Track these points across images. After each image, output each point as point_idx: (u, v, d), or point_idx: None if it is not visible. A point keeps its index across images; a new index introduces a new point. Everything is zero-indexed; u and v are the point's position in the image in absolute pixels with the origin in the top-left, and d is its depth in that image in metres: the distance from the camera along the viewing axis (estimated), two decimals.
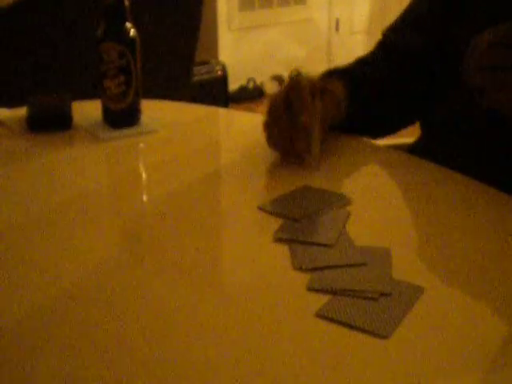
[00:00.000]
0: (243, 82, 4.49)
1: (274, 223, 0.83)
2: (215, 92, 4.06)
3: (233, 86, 4.38)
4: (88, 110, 1.22)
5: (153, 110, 1.22)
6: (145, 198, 0.98)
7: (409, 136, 1.28)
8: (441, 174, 0.99)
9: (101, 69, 1.13)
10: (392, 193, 1.00)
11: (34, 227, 0.85)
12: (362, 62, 1.18)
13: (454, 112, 1.09)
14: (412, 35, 1.15)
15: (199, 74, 3.90)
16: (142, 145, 1.14)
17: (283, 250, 0.77)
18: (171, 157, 1.08)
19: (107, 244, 0.83)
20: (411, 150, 1.16)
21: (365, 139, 1.13)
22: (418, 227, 0.87)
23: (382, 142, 1.25)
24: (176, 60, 2.89)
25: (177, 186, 0.97)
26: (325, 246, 0.77)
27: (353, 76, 1.13)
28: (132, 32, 1.12)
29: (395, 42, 1.17)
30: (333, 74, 1.14)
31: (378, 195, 0.95)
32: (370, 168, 1.08)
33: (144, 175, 1.07)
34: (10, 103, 1.28)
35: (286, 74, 4.71)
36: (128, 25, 1.11)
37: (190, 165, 1.05)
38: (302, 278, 0.71)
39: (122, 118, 1.15)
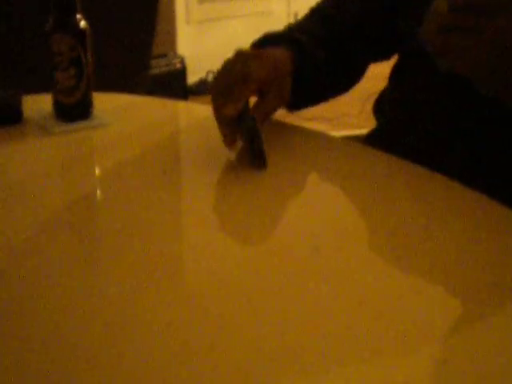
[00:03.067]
0: (202, 74, 4.47)
1: (238, 221, 0.82)
2: (174, 85, 4.04)
3: (192, 78, 4.36)
4: (39, 104, 1.20)
5: (106, 103, 1.21)
6: (97, 193, 0.97)
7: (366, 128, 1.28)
8: (389, 164, 0.99)
9: (51, 61, 1.11)
10: (340, 184, 1.00)
11: None
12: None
13: (412, 87, 1.09)
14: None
15: (157, 66, 3.88)
16: (94, 138, 1.12)
17: (247, 249, 0.76)
18: (124, 150, 1.06)
19: (56, 241, 0.81)
20: (367, 140, 1.16)
21: (319, 131, 1.13)
22: (368, 219, 0.87)
23: (337, 133, 1.26)
24: (133, 52, 2.86)
25: (130, 181, 0.96)
26: None
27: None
28: (82, 24, 1.10)
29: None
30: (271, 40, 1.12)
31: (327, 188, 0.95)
32: (322, 160, 1.08)
33: (96, 169, 1.05)
34: None
35: None
36: (78, 16, 1.09)
37: (142, 159, 1.03)
38: (262, 272, 0.70)
39: (74, 111, 1.13)
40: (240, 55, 1.00)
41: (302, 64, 1.08)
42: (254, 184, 0.96)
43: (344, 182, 0.97)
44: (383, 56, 1.22)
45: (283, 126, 1.13)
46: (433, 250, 0.77)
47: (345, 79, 1.20)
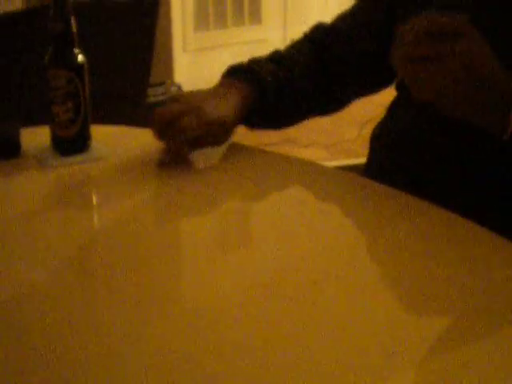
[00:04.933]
0: None
1: (234, 253, 0.82)
2: None
3: None
4: (37, 137, 1.20)
5: (104, 136, 1.21)
6: (94, 226, 0.97)
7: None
8: (385, 195, 0.99)
9: (49, 95, 1.11)
10: (339, 217, 1.00)
11: None
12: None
13: (405, 123, 1.10)
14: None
15: (155, 95, 3.89)
16: (91, 172, 1.12)
17: (244, 281, 0.76)
18: (121, 184, 1.07)
19: (54, 274, 0.81)
20: (365, 170, 1.17)
21: (313, 163, 1.14)
22: (365, 250, 0.88)
23: (336, 163, 1.26)
24: (130, 82, 2.88)
25: (127, 214, 0.96)
26: None
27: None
28: (80, 58, 1.10)
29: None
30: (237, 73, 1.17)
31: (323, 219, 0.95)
32: (317, 192, 1.08)
33: (93, 203, 1.05)
34: None
35: None
36: (76, 50, 1.10)
37: (140, 192, 1.04)
38: (261, 305, 0.70)
39: (71, 144, 1.14)
40: (182, 104, 1.09)
41: (261, 94, 1.13)
42: (251, 215, 0.96)
43: (341, 214, 0.98)
44: (371, 89, 1.24)
45: (276, 157, 1.14)
46: (430, 280, 0.77)
47: (325, 107, 1.23)
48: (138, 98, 3.02)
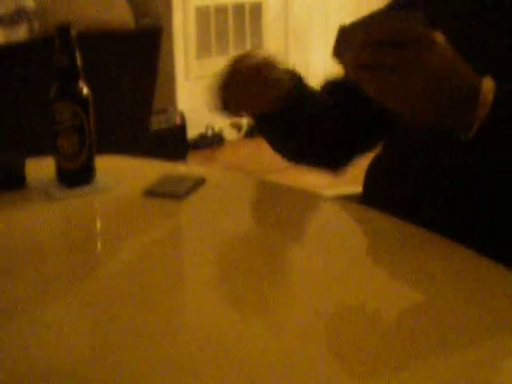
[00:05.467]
0: (202, 129, 4.51)
1: (235, 285, 0.82)
2: (175, 140, 4.07)
3: (192, 133, 4.40)
4: (42, 168, 1.21)
5: (108, 166, 1.22)
6: (100, 259, 0.97)
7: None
8: (384, 224, 1.00)
9: (54, 128, 1.13)
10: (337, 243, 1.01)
11: None
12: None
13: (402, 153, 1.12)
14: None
15: (158, 122, 3.92)
16: (96, 204, 1.13)
17: (245, 312, 0.77)
18: (125, 216, 1.07)
19: (59, 304, 0.81)
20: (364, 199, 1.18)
21: (313, 192, 1.14)
22: (365, 280, 0.88)
23: (338, 191, 1.27)
24: (134, 110, 2.90)
25: (132, 247, 0.97)
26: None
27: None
28: (85, 91, 1.12)
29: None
30: None
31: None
32: (318, 222, 1.09)
33: (98, 236, 1.06)
34: None
35: (243, 121, 4.74)
36: (81, 84, 1.12)
37: (143, 223, 1.04)
38: (262, 336, 0.71)
39: (76, 176, 1.15)
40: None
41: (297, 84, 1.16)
42: (252, 249, 0.97)
43: (340, 244, 0.98)
44: (371, 143, 1.24)
45: (276, 187, 1.15)
46: (429, 308, 0.77)
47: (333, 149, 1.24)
48: (141, 125, 3.04)
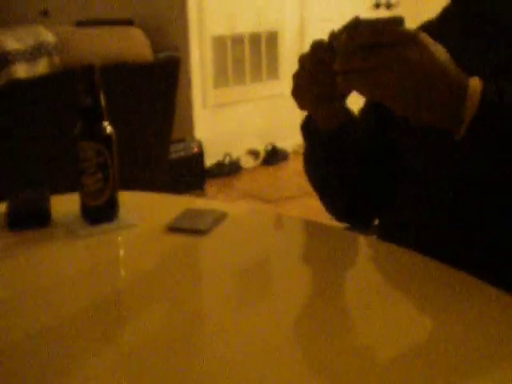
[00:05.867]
0: (220, 157, 4.55)
1: (239, 322, 0.83)
2: (192, 168, 4.11)
3: (210, 161, 4.43)
4: (67, 205, 1.23)
5: (131, 203, 1.24)
6: (123, 297, 0.99)
7: None
8: (391, 254, 1.01)
9: (78, 166, 1.15)
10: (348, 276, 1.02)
11: (15, 327, 0.85)
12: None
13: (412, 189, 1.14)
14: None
15: (176, 151, 3.96)
16: (120, 241, 1.15)
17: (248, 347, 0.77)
18: (149, 252, 1.09)
19: (82, 341, 0.82)
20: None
21: (321, 224, 1.16)
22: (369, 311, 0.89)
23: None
24: (153, 141, 2.94)
25: (156, 284, 0.98)
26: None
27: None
28: (109, 130, 1.14)
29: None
30: None
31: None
32: (325, 254, 1.10)
33: (122, 273, 1.07)
34: None
35: (260, 148, 4.78)
36: (104, 123, 1.14)
37: (168, 261, 1.06)
38: (266, 371, 0.72)
39: (100, 213, 1.17)
40: None
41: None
42: (273, 284, 0.98)
43: (345, 273, 0.99)
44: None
45: (295, 221, 1.16)
46: (433, 340, 0.78)
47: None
48: (160, 154, 3.07)
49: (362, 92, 0.90)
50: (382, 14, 4.98)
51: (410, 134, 1.12)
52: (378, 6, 5.31)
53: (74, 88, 1.27)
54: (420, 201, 1.11)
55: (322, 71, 0.99)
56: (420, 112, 0.90)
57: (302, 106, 1.07)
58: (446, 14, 1.18)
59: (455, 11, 1.15)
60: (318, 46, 0.99)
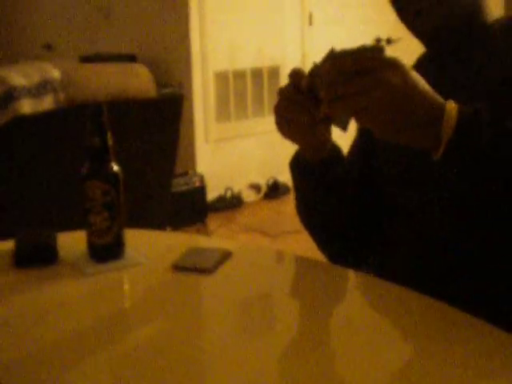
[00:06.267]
0: (221, 191, 4.56)
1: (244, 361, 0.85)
2: (194, 202, 4.13)
3: (211, 195, 4.45)
4: (73, 243, 1.25)
5: (137, 241, 1.25)
6: (128, 333, 0.99)
7: None
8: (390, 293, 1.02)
9: (85, 205, 1.16)
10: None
11: (19, 365, 0.86)
12: None
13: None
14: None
15: (178, 185, 3.98)
16: (126, 279, 1.16)
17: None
18: (155, 291, 1.10)
19: (88, 379, 0.83)
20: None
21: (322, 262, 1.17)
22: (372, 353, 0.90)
23: None
24: (156, 175, 2.96)
25: (163, 324, 0.99)
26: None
27: None
28: (116, 170, 1.16)
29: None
30: None
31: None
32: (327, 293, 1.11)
33: (128, 312, 1.08)
34: None
35: (262, 182, 4.80)
36: (112, 163, 1.16)
37: (173, 299, 1.07)
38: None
39: (107, 251, 1.18)
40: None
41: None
42: (279, 325, 0.99)
43: (343, 311, 1.01)
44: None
45: (298, 261, 1.18)
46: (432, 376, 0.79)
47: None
48: (163, 188, 3.09)
49: (345, 115, 0.96)
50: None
51: (393, 163, 1.16)
52: (378, 41, 5.37)
53: (80, 125, 1.29)
54: (412, 236, 1.13)
55: (304, 98, 1.02)
56: (399, 133, 0.94)
57: (287, 136, 1.09)
58: (422, 60, 1.23)
59: (431, 55, 1.20)
60: (296, 74, 1.03)
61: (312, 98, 0.99)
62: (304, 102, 1.01)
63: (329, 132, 1.11)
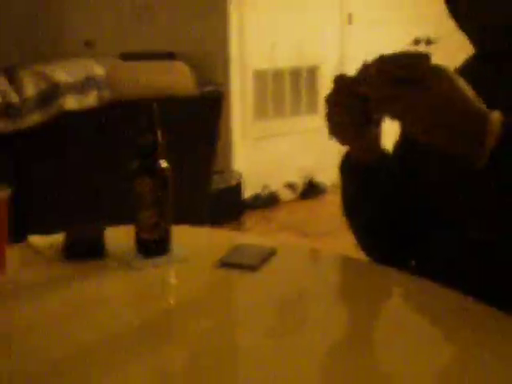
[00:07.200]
0: (258, 189, 4.58)
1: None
2: (231, 200, 4.15)
3: (248, 193, 4.46)
4: (121, 237, 1.27)
5: (183, 237, 1.27)
6: (172, 326, 1.01)
7: None
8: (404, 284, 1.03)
9: (134, 201, 1.19)
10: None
11: (67, 360, 0.88)
12: None
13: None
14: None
15: (215, 183, 4.00)
16: (172, 274, 1.19)
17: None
18: (201, 287, 1.12)
19: (132, 375, 0.85)
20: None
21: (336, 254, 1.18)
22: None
23: None
24: (196, 173, 2.98)
25: (210, 320, 1.01)
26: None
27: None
28: (165, 167, 1.18)
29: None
30: None
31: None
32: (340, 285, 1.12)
33: (174, 306, 1.10)
34: (44, 229, 1.34)
35: (298, 181, 4.81)
36: (161, 161, 1.18)
37: (220, 295, 1.09)
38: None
39: (154, 247, 1.20)
40: None
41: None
42: (301, 327, 1.01)
43: (362, 303, 1.02)
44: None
45: (338, 259, 1.19)
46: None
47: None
48: (203, 185, 3.11)
49: (388, 116, 0.98)
50: (422, 50, 5.01)
51: (433, 168, 1.16)
52: (417, 42, 5.34)
53: (124, 122, 1.31)
54: (455, 243, 1.14)
55: (354, 100, 1.04)
56: (439, 138, 0.96)
57: (343, 142, 1.13)
58: (471, 62, 1.22)
59: (485, 55, 1.18)
60: (342, 80, 1.06)
61: (364, 101, 1.01)
62: (357, 105, 1.04)
63: (379, 135, 1.13)
